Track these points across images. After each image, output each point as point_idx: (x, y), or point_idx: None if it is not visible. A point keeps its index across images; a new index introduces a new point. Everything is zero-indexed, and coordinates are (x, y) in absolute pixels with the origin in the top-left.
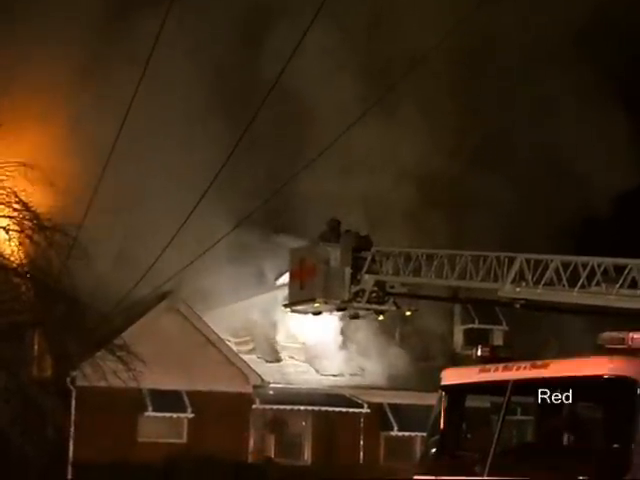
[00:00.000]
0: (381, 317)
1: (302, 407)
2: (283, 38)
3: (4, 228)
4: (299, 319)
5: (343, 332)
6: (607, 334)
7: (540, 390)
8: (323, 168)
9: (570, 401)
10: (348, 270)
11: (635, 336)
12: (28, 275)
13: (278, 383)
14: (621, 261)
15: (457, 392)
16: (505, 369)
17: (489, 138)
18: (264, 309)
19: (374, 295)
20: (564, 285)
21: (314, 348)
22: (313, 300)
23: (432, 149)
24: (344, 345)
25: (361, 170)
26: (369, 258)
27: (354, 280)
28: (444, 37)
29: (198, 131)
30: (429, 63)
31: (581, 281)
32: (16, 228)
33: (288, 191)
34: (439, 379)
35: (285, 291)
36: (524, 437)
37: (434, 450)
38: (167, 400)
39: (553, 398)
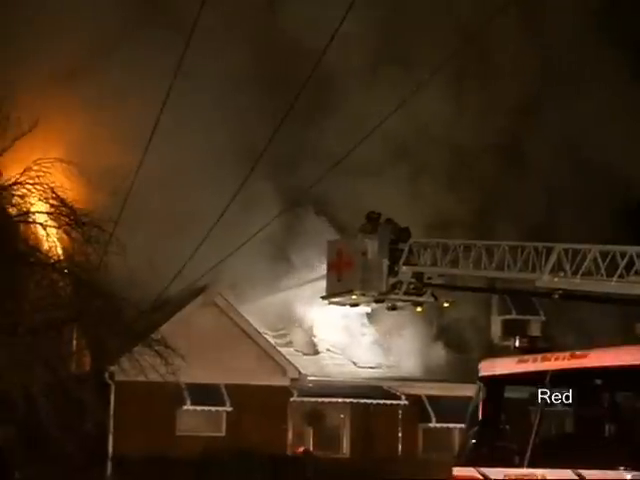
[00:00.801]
0: (419, 309)
1: (340, 399)
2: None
3: (42, 224)
4: (337, 311)
5: (380, 324)
6: None
7: (579, 380)
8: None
9: (609, 391)
10: (386, 262)
11: None
12: (66, 271)
13: (316, 376)
14: None
15: (495, 383)
16: (543, 359)
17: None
18: (301, 301)
19: (412, 287)
20: (602, 275)
21: (352, 340)
22: (351, 292)
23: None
24: (381, 337)
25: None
26: (406, 249)
27: (392, 272)
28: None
29: (231, 128)
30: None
31: (619, 270)
32: (53, 224)
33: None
34: (477, 370)
35: (322, 283)
36: (564, 428)
37: (473, 441)
38: (205, 394)
39: (592, 388)
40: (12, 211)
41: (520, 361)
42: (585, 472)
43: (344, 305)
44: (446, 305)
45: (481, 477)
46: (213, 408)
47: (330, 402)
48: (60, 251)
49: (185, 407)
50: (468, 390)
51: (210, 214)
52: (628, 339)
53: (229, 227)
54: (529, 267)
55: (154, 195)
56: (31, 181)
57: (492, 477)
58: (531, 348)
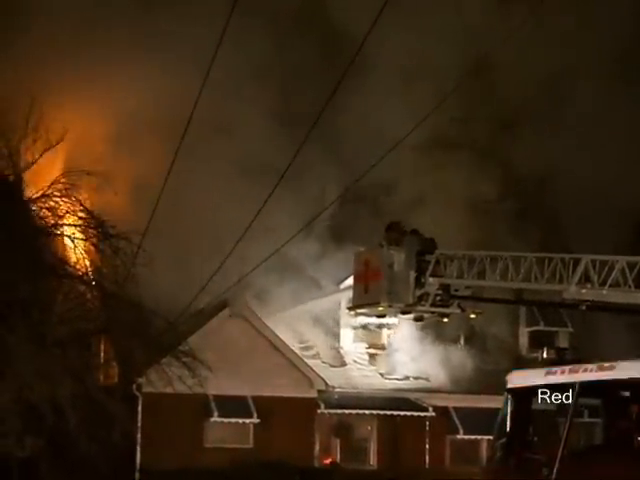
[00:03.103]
0: (446, 320)
1: (367, 411)
2: None
3: (69, 236)
4: (363, 323)
5: (407, 335)
6: None
7: (607, 392)
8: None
9: (638, 402)
10: (412, 273)
11: None
12: (94, 283)
13: (343, 387)
14: None
15: (523, 395)
16: (571, 371)
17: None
18: (328, 313)
19: (438, 298)
20: (630, 286)
21: (378, 352)
22: (377, 304)
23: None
24: (408, 348)
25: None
26: (433, 261)
27: (418, 283)
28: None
29: (260, 136)
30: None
31: None
32: (81, 236)
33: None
34: (505, 382)
35: (349, 294)
36: (592, 439)
37: (501, 453)
38: (233, 405)
39: (620, 399)
40: (40, 223)
41: (548, 373)
42: None
43: (371, 316)
44: (473, 316)
45: None
46: (240, 420)
47: (357, 414)
48: (88, 263)
49: (213, 419)
50: (496, 402)
51: (238, 225)
52: None
53: (257, 239)
54: (556, 278)
55: (182, 207)
56: (59, 193)
57: None
58: (559, 360)
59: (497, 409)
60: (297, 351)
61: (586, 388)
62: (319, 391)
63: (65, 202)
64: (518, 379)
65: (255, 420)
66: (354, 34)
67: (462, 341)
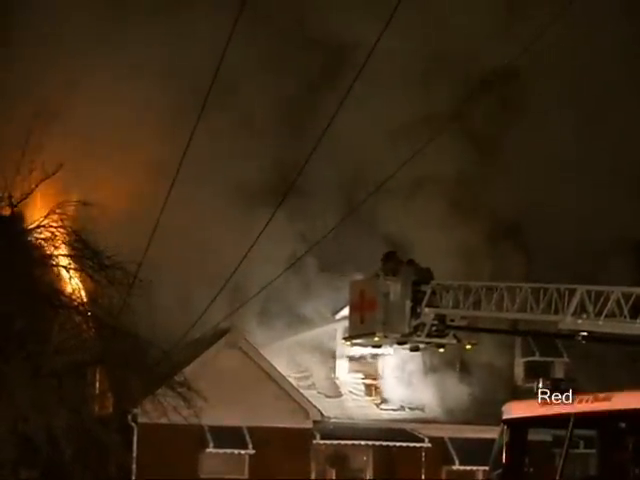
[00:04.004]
0: (442, 350)
1: (363, 442)
2: None
3: (65, 267)
4: (359, 353)
5: (403, 365)
6: None
7: (603, 423)
8: None
9: (634, 434)
10: (408, 303)
11: None
12: (89, 313)
13: (338, 418)
14: None
15: (519, 425)
16: (567, 402)
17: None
18: (324, 343)
19: (434, 328)
20: (625, 316)
21: (374, 382)
22: (373, 334)
23: None
24: (404, 379)
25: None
26: (429, 291)
27: (414, 314)
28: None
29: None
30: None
31: None
32: (77, 267)
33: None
34: (501, 413)
35: (345, 324)
36: (588, 470)
37: None
38: (228, 436)
39: (616, 431)
40: (36, 254)
41: (544, 404)
42: None
43: (366, 346)
44: (469, 347)
45: None
46: (236, 451)
47: (353, 444)
48: (84, 293)
49: (208, 450)
50: (491, 432)
51: (234, 254)
52: None
53: (254, 269)
54: (552, 309)
55: (178, 236)
56: (55, 224)
57: None
58: (555, 390)
59: (493, 440)
60: (293, 381)
61: (582, 419)
62: (315, 422)
63: (61, 232)
64: (514, 410)
65: (250, 451)
66: (354, 39)
67: (458, 371)
